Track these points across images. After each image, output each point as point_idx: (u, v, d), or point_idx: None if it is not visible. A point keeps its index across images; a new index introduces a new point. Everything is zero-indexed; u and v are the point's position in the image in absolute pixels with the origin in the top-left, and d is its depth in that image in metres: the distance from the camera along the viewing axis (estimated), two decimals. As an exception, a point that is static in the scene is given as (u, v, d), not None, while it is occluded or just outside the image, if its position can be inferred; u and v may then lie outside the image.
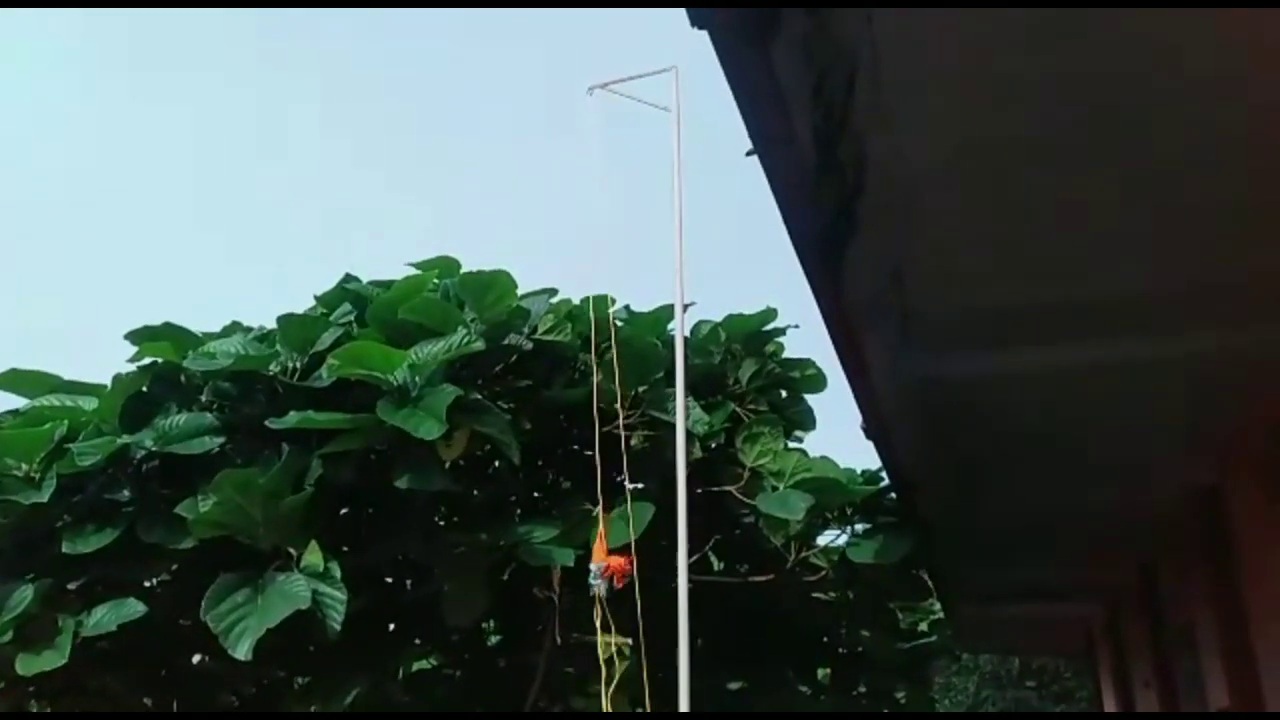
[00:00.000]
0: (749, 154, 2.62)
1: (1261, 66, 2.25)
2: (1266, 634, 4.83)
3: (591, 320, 5.17)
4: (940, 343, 3.78)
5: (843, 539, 6.24)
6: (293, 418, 4.59)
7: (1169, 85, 2.34)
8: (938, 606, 9.05)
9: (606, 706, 4.33)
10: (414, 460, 4.69)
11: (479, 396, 5.01)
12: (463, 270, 5.54)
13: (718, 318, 6.67)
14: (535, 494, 6.18)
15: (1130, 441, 4.88)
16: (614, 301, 5.67)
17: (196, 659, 5.43)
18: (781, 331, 6.67)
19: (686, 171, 4.71)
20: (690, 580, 4.32)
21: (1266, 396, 4.00)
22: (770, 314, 6.55)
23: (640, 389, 5.47)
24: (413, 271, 5.56)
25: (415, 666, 6.53)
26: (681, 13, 2.03)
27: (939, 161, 2.66)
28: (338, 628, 4.36)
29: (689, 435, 4.89)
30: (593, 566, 4.21)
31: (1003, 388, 4.27)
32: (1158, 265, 3.16)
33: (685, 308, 4.87)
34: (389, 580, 5.96)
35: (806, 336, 7.13)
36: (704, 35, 2.08)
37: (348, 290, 5.65)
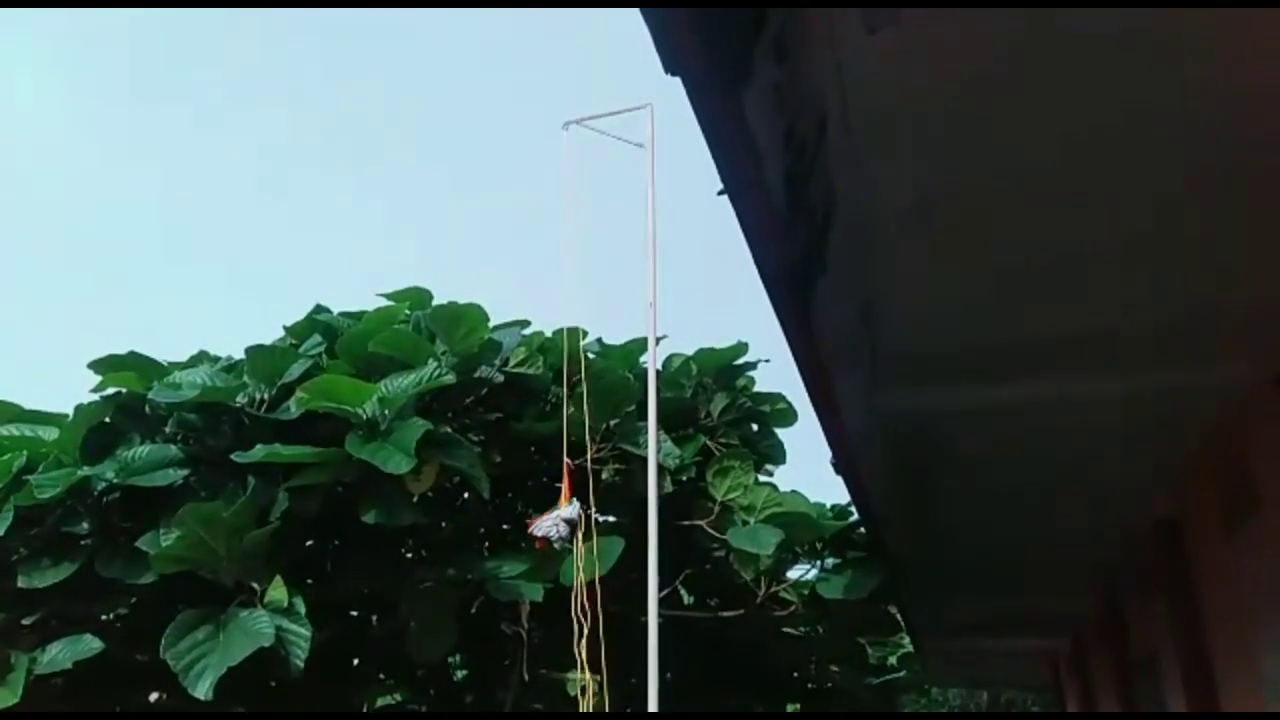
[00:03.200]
0: (720, 194, 2.65)
1: (1232, 102, 2.31)
2: (1227, 664, 4.89)
3: (564, 353, 5.17)
4: (909, 379, 3.83)
5: (813, 573, 6.27)
6: (259, 451, 4.53)
7: (1131, 128, 2.40)
8: (906, 641, 9.07)
9: None
10: (382, 494, 4.65)
11: (449, 429, 4.99)
12: (435, 302, 5.53)
13: (689, 351, 6.71)
14: (504, 526, 6.14)
15: (1092, 476, 4.95)
16: (586, 334, 5.69)
17: (154, 697, 5.29)
18: (753, 365, 6.73)
19: (660, 205, 4.75)
20: (660, 614, 4.30)
21: (1224, 430, 4.10)
22: (741, 348, 6.60)
23: (612, 422, 5.47)
24: (384, 303, 5.54)
25: (380, 702, 6.42)
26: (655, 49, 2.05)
27: (907, 203, 2.72)
28: (301, 665, 4.28)
29: (660, 469, 4.89)
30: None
31: (969, 424, 4.33)
32: (1121, 304, 3.24)
33: (658, 341, 4.89)
34: (354, 614, 5.87)
35: (778, 370, 7.19)
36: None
37: (318, 321, 5.62)
